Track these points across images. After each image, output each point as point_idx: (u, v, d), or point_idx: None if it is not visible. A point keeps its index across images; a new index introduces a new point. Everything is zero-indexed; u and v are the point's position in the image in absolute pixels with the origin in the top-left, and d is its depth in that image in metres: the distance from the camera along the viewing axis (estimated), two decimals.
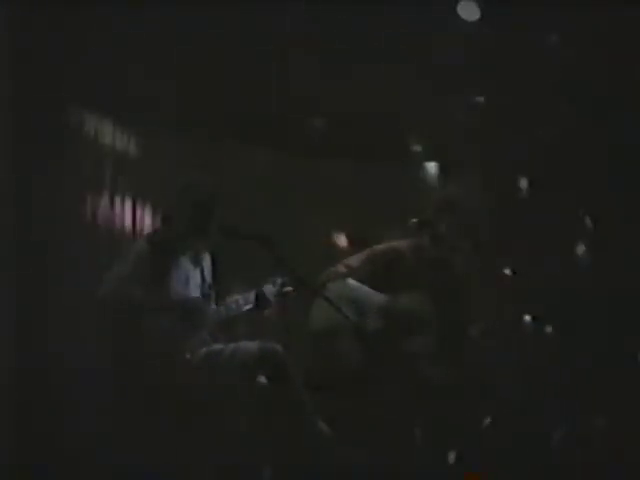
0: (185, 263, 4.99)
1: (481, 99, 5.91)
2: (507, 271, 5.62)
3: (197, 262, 5.04)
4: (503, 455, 4.97)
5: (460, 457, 4.93)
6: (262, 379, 4.82)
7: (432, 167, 6.39)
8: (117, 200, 5.69)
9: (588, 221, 5.82)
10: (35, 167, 5.27)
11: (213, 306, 5.03)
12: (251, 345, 4.87)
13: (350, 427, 4.95)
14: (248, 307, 5.05)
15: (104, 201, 5.66)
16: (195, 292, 4.99)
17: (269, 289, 5.07)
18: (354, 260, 5.27)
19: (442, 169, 6.34)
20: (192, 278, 5.00)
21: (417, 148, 6.34)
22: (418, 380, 5.03)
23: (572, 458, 5.01)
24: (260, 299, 5.05)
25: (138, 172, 5.79)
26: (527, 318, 5.64)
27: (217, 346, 4.94)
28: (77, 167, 5.56)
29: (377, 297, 5.13)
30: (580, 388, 5.35)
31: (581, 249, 5.81)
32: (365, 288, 5.15)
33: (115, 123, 5.68)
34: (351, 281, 5.18)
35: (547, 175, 5.84)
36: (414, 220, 5.32)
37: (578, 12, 5.37)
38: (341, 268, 5.24)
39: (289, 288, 5.07)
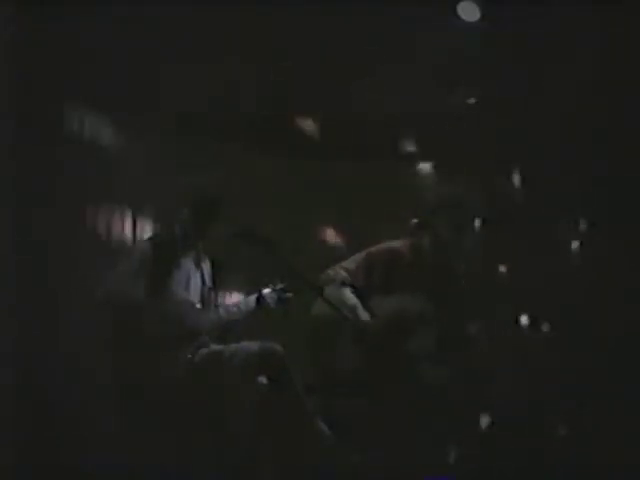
0: (186, 265, 5.00)
1: (480, 99, 5.92)
2: (503, 269, 5.62)
3: (198, 264, 5.05)
4: (503, 455, 4.98)
5: (460, 457, 4.93)
6: (262, 379, 4.83)
7: (431, 167, 6.40)
8: (117, 200, 5.69)
9: (587, 220, 5.84)
10: (35, 167, 5.26)
11: (213, 308, 5.05)
12: (251, 345, 4.87)
13: (350, 427, 4.96)
14: (248, 311, 5.07)
15: (104, 201, 5.66)
16: (195, 294, 5.00)
17: (269, 293, 5.08)
18: (352, 262, 5.26)
19: (441, 169, 6.35)
20: (193, 280, 5.00)
21: (416, 148, 6.35)
22: (418, 380, 5.03)
23: (572, 458, 5.01)
24: (260, 303, 5.07)
25: (139, 173, 5.79)
26: (527, 318, 5.65)
27: (217, 347, 4.95)
28: (77, 167, 5.56)
29: (361, 314, 5.12)
30: (580, 388, 5.36)
31: (580, 248, 5.82)
32: (354, 303, 5.14)
33: (116, 123, 5.68)
34: (346, 291, 5.16)
35: (547, 174, 5.84)
36: (414, 220, 5.32)
37: (578, 12, 5.37)
38: (339, 271, 5.23)
39: (289, 294, 5.08)
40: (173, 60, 5.50)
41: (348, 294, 5.13)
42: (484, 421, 5.07)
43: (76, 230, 5.47)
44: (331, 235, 6.37)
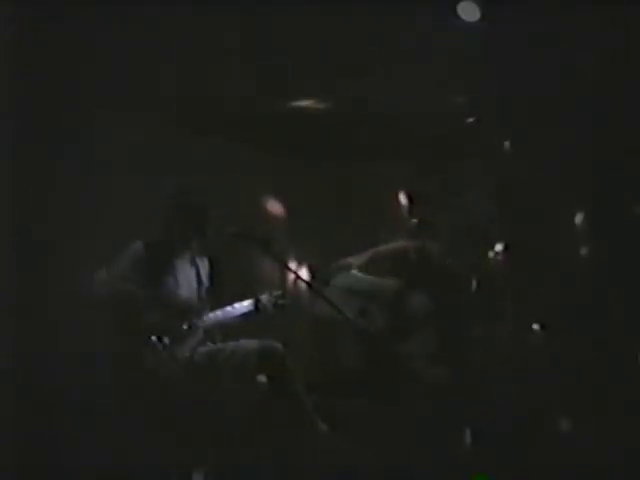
0: (182, 265, 5.01)
1: (480, 98, 5.92)
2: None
3: (194, 264, 5.06)
4: (503, 454, 4.97)
5: (460, 456, 4.94)
6: (262, 378, 4.83)
7: (431, 167, 6.40)
8: (116, 200, 5.69)
9: (588, 221, 5.84)
10: (35, 167, 5.27)
11: (209, 309, 5.05)
12: (251, 344, 4.88)
13: (350, 427, 4.96)
14: (246, 313, 5.07)
15: (104, 200, 5.66)
16: (192, 294, 5.01)
17: (266, 299, 5.08)
18: (357, 259, 5.29)
19: (441, 169, 6.36)
20: (189, 280, 5.01)
21: (417, 148, 6.36)
22: (418, 380, 5.03)
23: (571, 458, 5.01)
24: (257, 308, 5.07)
25: (138, 172, 5.79)
26: (526, 318, 5.66)
27: (217, 345, 4.95)
28: (76, 167, 5.56)
29: (385, 283, 5.14)
30: (580, 388, 5.36)
31: (582, 249, 5.82)
32: (370, 277, 5.17)
33: (115, 123, 5.68)
34: (356, 272, 5.20)
35: (549, 174, 5.85)
36: (414, 220, 5.34)
37: (578, 12, 5.37)
38: (343, 264, 5.26)
39: (284, 301, 5.08)
40: (173, 60, 5.49)
41: (361, 275, 5.17)
42: (483, 421, 5.07)
43: (75, 230, 5.47)
44: (330, 234, 6.37)
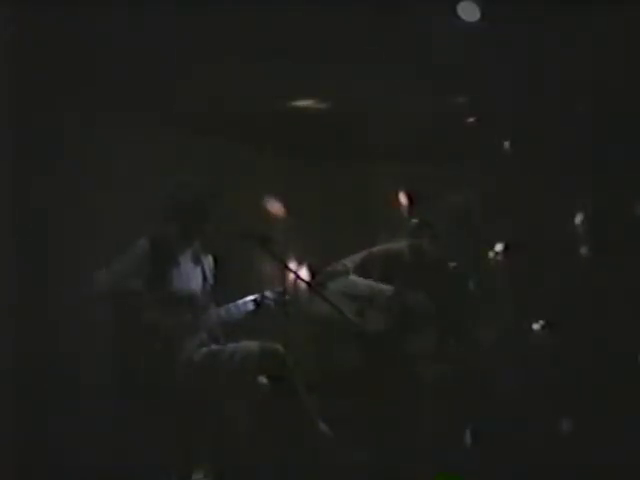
0: (186, 262, 5.01)
1: (480, 98, 5.93)
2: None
3: (198, 262, 5.06)
4: (503, 454, 4.97)
5: (460, 456, 4.94)
6: (262, 379, 4.83)
7: (431, 167, 6.40)
8: (116, 199, 5.69)
9: (588, 221, 5.84)
10: (35, 167, 5.27)
11: (213, 307, 5.05)
12: (252, 345, 4.88)
13: (350, 427, 4.96)
14: (248, 310, 5.07)
15: (103, 200, 5.66)
16: (195, 292, 5.00)
17: (269, 295, 5.08)
18: (352, 260, 5.28)
19: (440, 169, 6.36)
20: (193, 278, 5.01)
21: (416, 148, 6.36)
22: (418, 380, 5.03)
23: (571, 458, 5.01)
24: (260, 304, 5.07)
25: (137, 171, 5.79)
26: (526, 318, 5.66)
27: (217, 346, 4.95)
28: (76, 167, 5.56)
29: (382, 288, 5.13)
30: (580, 388, 5.36)
31: (582, 249, 5.82)
32: (367, 281, 5.16)
33: (115, 122, 5.68)
34: (353, 277, 5.19)
35: (549, 174, 5.85)
36: (414, 220, 5.33)
37: (578, 12, 5.37)
38: (339, 268, 5.25)
39: (287, 297, 5.09)
40: (173, 60, 5.50)
41: (358, 279, 5.16)
42: (483, 421, 5.07)
43: (75, 230, 5.47)
44: (330, 234, 6.37)
